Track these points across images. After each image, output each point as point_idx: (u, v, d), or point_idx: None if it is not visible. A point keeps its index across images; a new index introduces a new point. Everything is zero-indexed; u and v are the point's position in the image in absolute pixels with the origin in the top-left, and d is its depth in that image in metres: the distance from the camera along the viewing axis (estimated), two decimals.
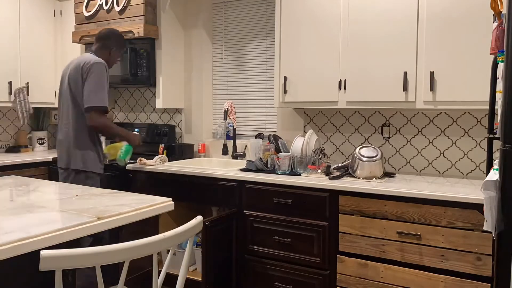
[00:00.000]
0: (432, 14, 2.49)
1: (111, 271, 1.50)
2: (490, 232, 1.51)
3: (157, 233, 1.21)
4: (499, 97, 1.55)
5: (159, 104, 3.60)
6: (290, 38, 2.95)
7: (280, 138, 3.17)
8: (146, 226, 1.84)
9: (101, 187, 2.48)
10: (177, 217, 3.31)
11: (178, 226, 1.28)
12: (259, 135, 3.45)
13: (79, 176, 2.64)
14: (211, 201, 2.98)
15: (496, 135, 1.60)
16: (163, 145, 3.52)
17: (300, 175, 2.75)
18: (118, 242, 1.11)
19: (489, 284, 2.09)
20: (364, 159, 2.62)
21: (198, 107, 3.82)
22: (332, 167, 2.72)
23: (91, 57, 2.67)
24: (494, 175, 1.47)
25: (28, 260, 1.15)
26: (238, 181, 2.79)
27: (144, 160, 3.20)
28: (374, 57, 2.66)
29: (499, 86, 1.57)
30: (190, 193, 2.98)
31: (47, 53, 4.01)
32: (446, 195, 2.18)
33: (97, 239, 1.78)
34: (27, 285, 1.43)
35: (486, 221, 1.49)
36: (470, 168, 2.75)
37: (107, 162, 3.01)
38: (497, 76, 1.68)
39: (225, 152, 3.43)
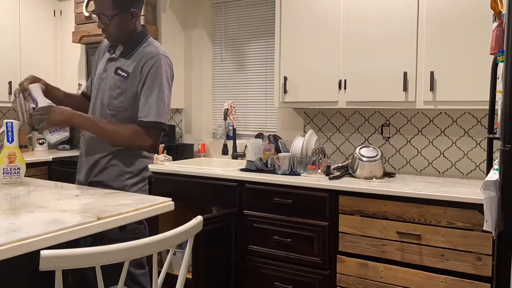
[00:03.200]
0: (432, 14, 2.49)
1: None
2: (490, 232, 1.51)
3: (157, 233, 1.21)
4: (499, 97, 1.55)
5: None
6: (290, 38, 2.95)
7: (280, 138, 3.17)
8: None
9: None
10: (177, 217, 3.31)
11: (178, 226, 1.27)
12: (259, 135, 3.45)
13: None
14: (211, 201, 2.98)
15: (496, 135, 1.60)
16: (163, 145, 3.51)
17: (300, 175, 2.75)
18: None
19: (489, 284, 2.09)
20: (364, 159, 2.62)
21: (198, 107, 3.82)
22: (332, 167, 2.72)
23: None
24: (494, 175, 1.47)
25: (28, 260, 1.15)
26: (238, 181, 2.79)
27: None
28: (374, 57, 2.66)
29: (499, 86, 1.57)
30: (190, 193, 2.98)
31: (47, 53, 4.01)
32: (446, 195, 2.18)
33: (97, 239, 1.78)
34: (27, 285, 1.42)
35: (486, 221, 1.49)
36: (470, 168, 2.75)
37: None
38: (497, 76, 1.68)
39: (225, 152, 3.43)
